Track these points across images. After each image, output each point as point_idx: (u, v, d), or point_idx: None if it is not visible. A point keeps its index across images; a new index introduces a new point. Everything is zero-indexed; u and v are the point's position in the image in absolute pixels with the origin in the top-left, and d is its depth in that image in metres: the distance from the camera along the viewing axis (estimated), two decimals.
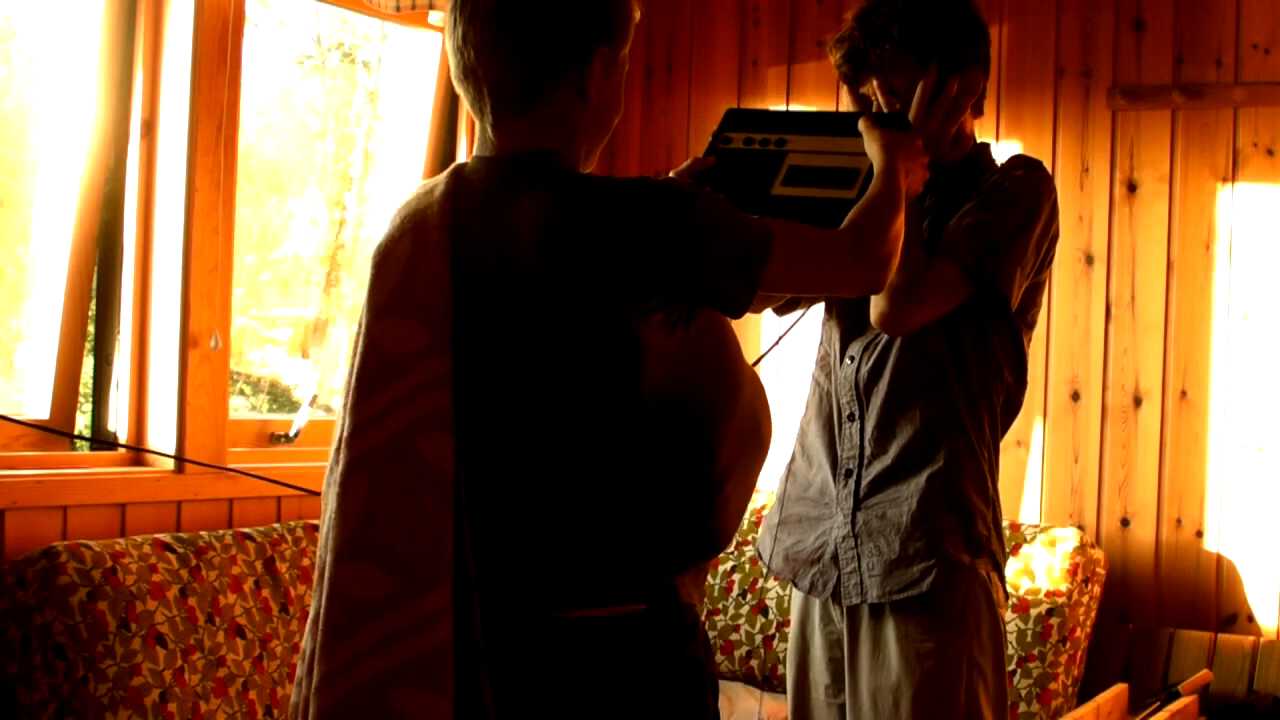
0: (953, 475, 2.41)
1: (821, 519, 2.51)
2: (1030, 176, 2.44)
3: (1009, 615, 3.72)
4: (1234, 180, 3.89)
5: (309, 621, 1.85)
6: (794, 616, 2.60)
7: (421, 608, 1.76)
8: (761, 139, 2.24)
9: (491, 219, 1.86)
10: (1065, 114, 4.07)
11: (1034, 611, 3.76)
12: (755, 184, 2.16)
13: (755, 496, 3.40)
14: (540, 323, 1.81)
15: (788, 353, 2.92)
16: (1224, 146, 3.90)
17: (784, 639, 3.98)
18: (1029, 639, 3.74)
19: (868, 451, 2.46)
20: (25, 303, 3.42)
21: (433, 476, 1.79)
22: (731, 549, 4.16)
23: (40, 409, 3.32)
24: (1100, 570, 3.88)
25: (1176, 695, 3.62)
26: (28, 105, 3.39)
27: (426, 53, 4.17)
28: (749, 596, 4.11)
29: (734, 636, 4.09)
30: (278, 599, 3.24)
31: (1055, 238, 2.48)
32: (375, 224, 4.23)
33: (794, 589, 2.58)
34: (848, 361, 2.49)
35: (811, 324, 2.61)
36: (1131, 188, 4.00)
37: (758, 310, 2.18)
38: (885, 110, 2.42)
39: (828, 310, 2.57)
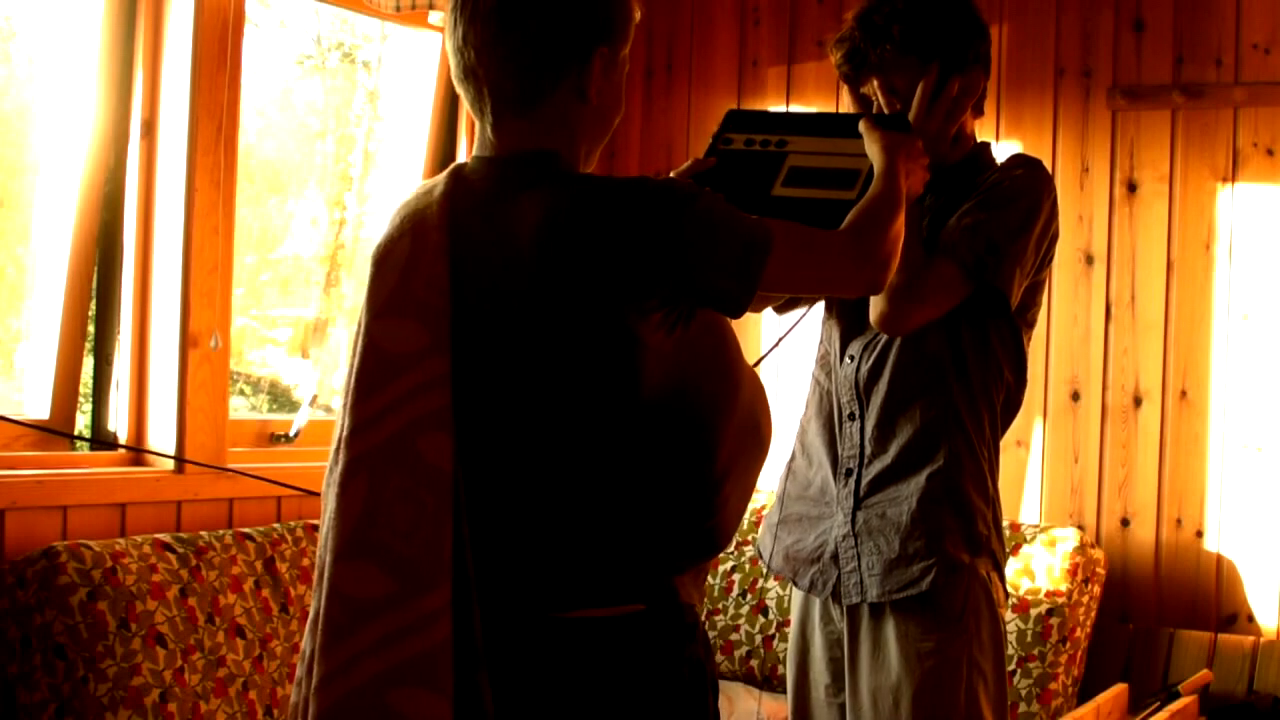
0: (953, 474, 2.41)
1: (822, 518, 2.51)
2: (1030, 175, 2.44)
3: (1009, 615, 3.72)
4: (1234, 180, 3.89)
5: (309, 622, 1.85)
6: (794, 616, 2.60)
7: (421, 608, 1.76)
8: (762, 140, 2.24)
9: (491, 219, 1.86)
10: (1065, 114, 4.08)
11: (1034, 611, 3.76)
12: (756, 185, 2.16)
13: (755, 496, 3.40)
14: (539, 323, 1.81)
15: (788, 352, 2.92)
16: (1224, 146, 3.90)
17: (784, 639, 3.98)
18: (1029, 639, 3.74)
19: (868, 451, 2.46)
20: (25, 303, 3.42)
21: (432, 476, 1.79)
22: (731, 549, 4.16)
23: (40, 409, 3.32)
24: (1100, 570, 3.88)
25: (1176, 695, 3.62)
26: (28, 105, 3.40)
27: (426, 53, 4.17)
28: (749, 596, 4.11)
29: (734, 636, 4.09)
30: (278, 599, 3.24)
31: (1055, 237, 2.48)
32: (375, 224, 4.23)
33: (794, 589, 2.58)
34: (848, 361, 2.49)
35: (811, 323, 2.61)
36: (1131, 188, 4.00)
37: (757, 310, 2.18)
38: (885, 110, 2.42)
39: (828, 309, 2.57)
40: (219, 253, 3.38)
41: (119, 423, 3.38)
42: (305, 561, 3.34)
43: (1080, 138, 4.05)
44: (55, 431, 3.28)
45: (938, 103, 2.40)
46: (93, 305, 3.40)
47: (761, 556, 2.63)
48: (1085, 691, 3.81)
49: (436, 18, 3.77)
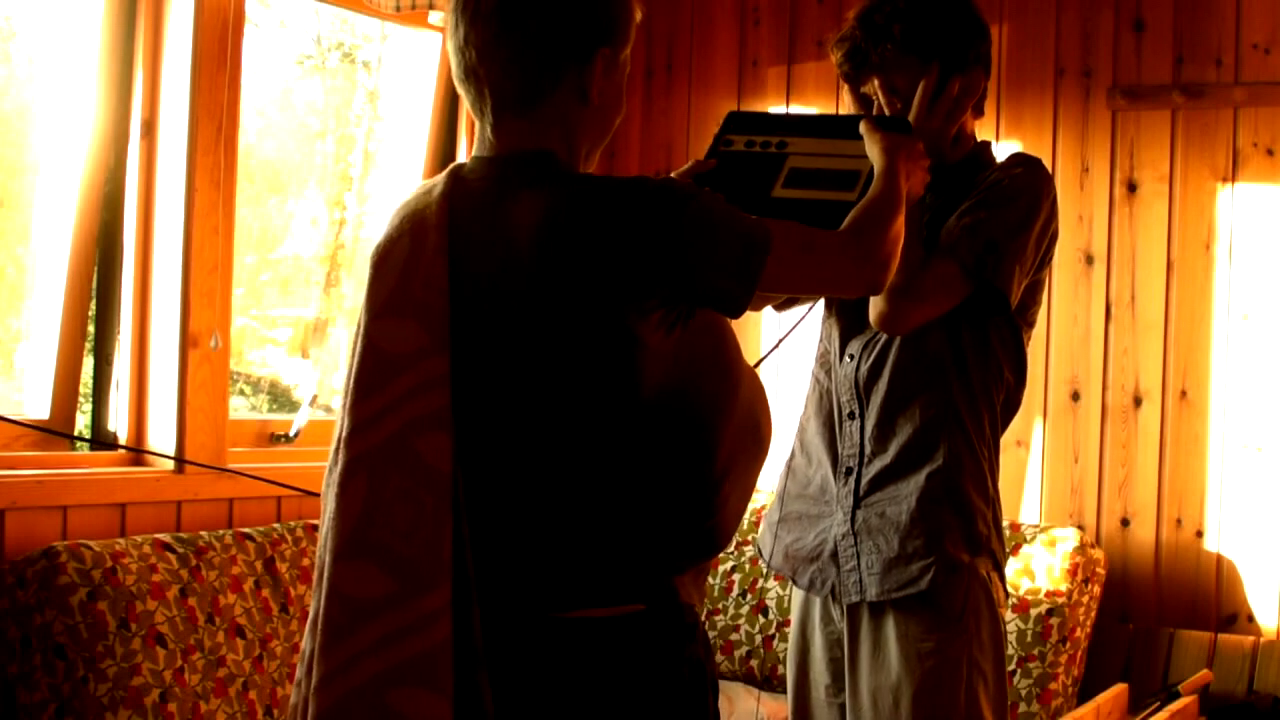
0: (952, 474, 2.41)
1: (821, 516, 2.51)
2: (1029, 174, 2.44)
3: (1009, 615, 3.72)
4: (1234, 180, 3.89)
5: (308, 622, 1.85)
6: (794, 616, 2.60)
7: (420, 608, 1.76)
8: (763, 141, 2.24)
9: (490, 219, 1.86)
10: (1065, 114, 4.08)
11: (1034, 611, 3.76)
12: (756, 186, 2.16)
13: (755, 495, 3.40)
14: (538, 323, 1.81)
15: (788, 352, 2.92)
16: (1224, 146, 3.90)
17: (784, 639, 3.98)
18: (1029, 639, 3.74)
19: (868, 450, 2.46)
20: (25, 303, 3.42)
21: (431, 477, 1.79)
22: (731, 549, 4.16)
23: (40, 409, 3.32)
24: (1100, 570, 3.88)
25: (1176, 695, 3.62)
26: (28, 105, 3.40)
27: (426, 53, 4.17)
28: (749, 596, 4.11)
29: (734, 636, 4.09)
30: (278, 599, 3.24)
31: (1055, 236, 2.48)
32: (375, 224, 4.23)
33: (795, 589, 2.58)
34: (847, 359, 2.49)
35: (811, 322, 2.61)
36: (1131, 188, 4.00)
37: (757, 309, 2.18)
38: (886, 109, 2.42)
39: (827, 308, 2.57)
40: (219, 253, 3.38)
41: (119, 423, 3.38)
42: (305, 561, 3.34)
43: (1080, 138, 4.05)
44: (55, 432, 3.28)
45: (938, 102, 2.40)
46: (93, 305, 3.40)
47: (761, 555, 2.63)
48: (1085, 691, 3.81)
49: (436, 18, 3.77)
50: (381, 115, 4.29)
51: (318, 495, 1.91)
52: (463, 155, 4.16)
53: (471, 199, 1.88)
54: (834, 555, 2.47)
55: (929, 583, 2.37)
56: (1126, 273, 4.00)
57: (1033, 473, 4.09)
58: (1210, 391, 3.91)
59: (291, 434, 3.74)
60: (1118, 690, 3.63)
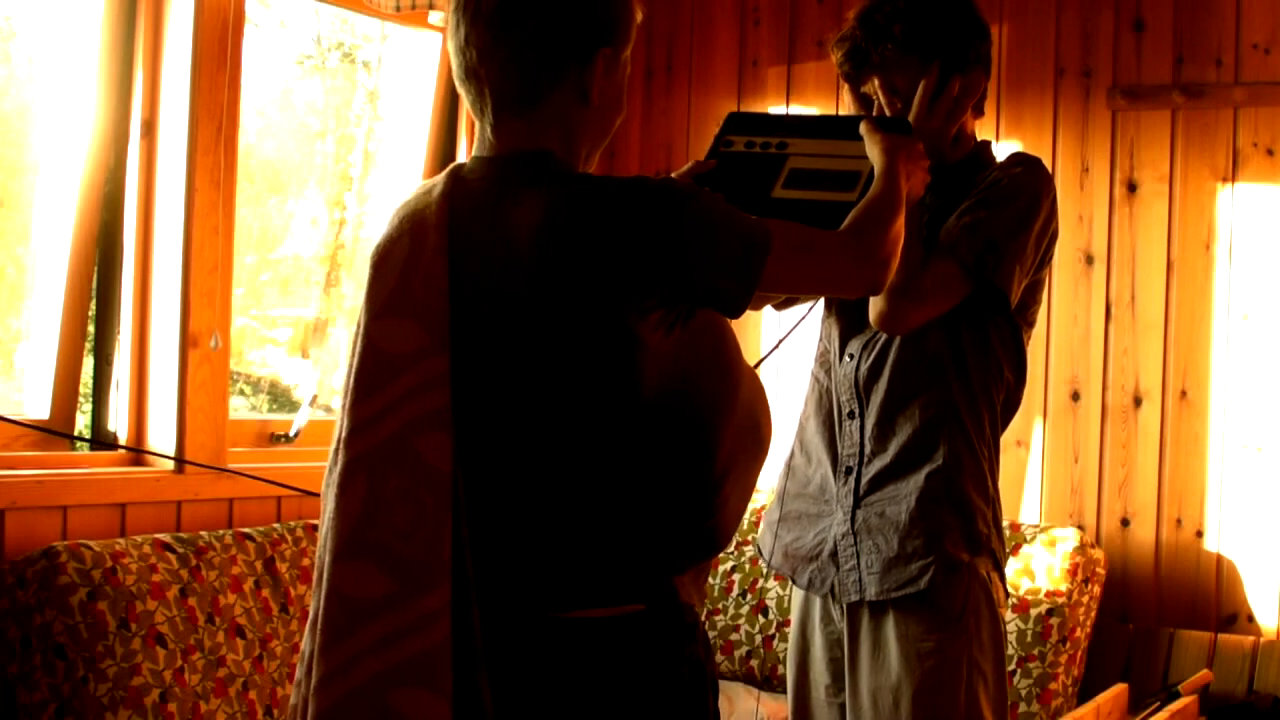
0: (952, 473, 2.41)
1: (821, 516, 2.51)
2: (1029, 173, 2.43)
3: (1009, 615, 3.72)
4: (1234, 180, 3.89)
5: (308, 622, 1.85)
6: (794, 616, 2.60)
7: (420, 608, 1.76)
8: (763, 142, 2.24)
9: (489, 219, 1.86)
10: (1065, 114, 4.07)
11: (1034, 611, 3.76)
12: (756, 186, 2.16)
13: (755, 495, 3.40)
14: (538, 323, 1.81)
15: (788, 351, 2.92)
16: (1224, 146, 3.90)
17: (784, 639, 3.98)
18: (1029, 639, 3.74)
19: (868, 449, 2.46)
20: (25, 303, 3.42)
21: (431, 477, 1.79)
22: (731, 549, 4.16)
23: (40, 409, 3.32)
24: (1100, 570, 3.88)
25: (1176, 695, 3.62)
26: (28, 105, 3.39)
27: (426, 53, 4.17)
28: (749, 596, 4.11)
29: (734, 636, 4.09)
30: (278, 599, 3.24)
31: (1054, 235, 2.48)
32: (375, 224, 4.23)
33: (795, 589, 2.58)
34: (847, 359, 2.49)
35: (811, 321, 2.61)
36: (1131, 188, 4.00)
37: (756, 308, 2.18)
38: (886, 109, 2.42)
39: (827, 308, 2.57)
40: (219, 253, 3.38)
41: (119, 423, 3.38)
42: (305, 561, 3.34)
43: (1080, 138, 4.05)
44: (55, 432, 3.28)
45: (938, 102, 2.40)
46: (93, 305, 3.40)
47: (761, 554, 2.63)
48: (1085, 691, 3.81)
49: (436, 18, 3.77)
50: (381, 115, 4.29)
51: (318, 495, 1.91)
52: (463, 155, 4.16)
53: (471, 199, 1.88)
54: (833, 555, 2.47)
55: (928, 582, 2.37)
56: (1126, 273, 4.00)
57: (1033, 473, 4.09)
58: (1210, 391, 3.91)
59: (291, 434, 3.74)
60: (1118, 690, 3.63)
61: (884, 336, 2.43)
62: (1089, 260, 4.04)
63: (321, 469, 1.90)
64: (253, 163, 3.87)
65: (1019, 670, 3.73)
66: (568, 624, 1.84)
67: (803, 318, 2.58)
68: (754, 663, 4.06)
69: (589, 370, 1.81)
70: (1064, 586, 3.77)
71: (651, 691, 1.85)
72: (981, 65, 2.44)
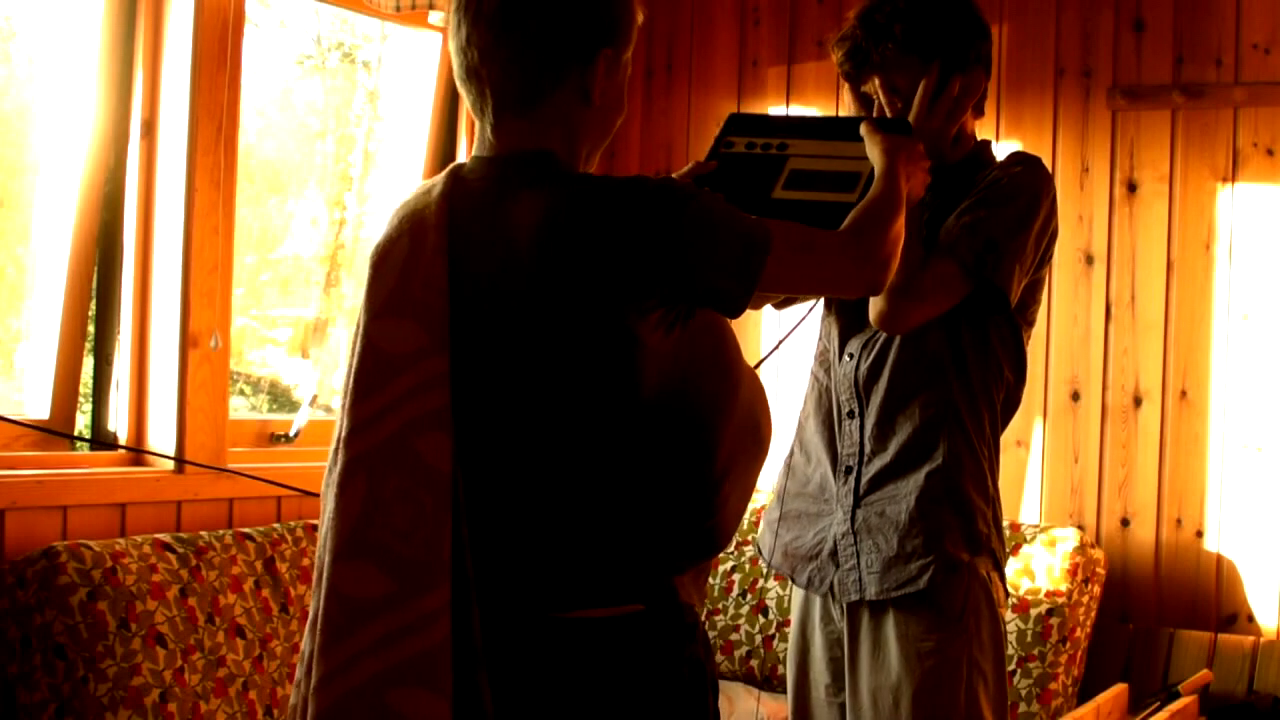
0: (952, 473, 2.41)
1: (821, 515, 2.51)
2: (1028, 173, 2.44)
3: (1009, 615, 3.72)
4: (1234, 180, 3.89)
5: (308, 623, 1.85)
6: (794, 616, 2.60)
7: (420, 608, 1.76)
8: (763, 143, 2.24)
9: (489, 219, 1.86)
10: (1065, 114, 4.07)
11: (1034, 611, 3.76)
12: (756, 187, 2.16)
13: (755, 495, 3.40)
14: (538, 323, 1.81)
15: (788, 351, 2.92)
16: (1224, 146, 3.90)
17: (784, 639, 3.98)
18: (1029, 639, 3.74)
19: (867, 449, 2.46)
20: (25, 303, 3.41)
21: (431, 477, 1.79)
22: (731, 549, 4.16)
23: (40, 409, 3.32)
24: (1100, 570, 3.88)
25: (1176, 695, 3.62)
26: (28, 105, 3.39)
27: (426, 53, 4.17)
28: (749, 596, 4.11)
29: (734, 636, 4.09)
30: (278, 599, 3.24)
31: (1054, 234, 2.48)
32: (375, 224, 4.23)
33: (795, 589, 2.58)
34: (847, 359, 2.49)
35: (811, 320, 2.61)
36: (1131, 188, 4.00)
37: (756, 308, 2.18)
38: (886, 109, 2.42)
39: (827, 307, 2.57)
40: (219, 253, 3.38)
41: (119, 423, 3.38)
42: (305, 561, 3.34)
43: (1080, 138, 4.05)
44: (55, 432, 3.28)
45: (939, 102, 2.40)
46: (93, 305, 3.40)
47: (761, 553, 2.63)
48: (1085, 691, 3.81)
49: (436, 18, 3.77)
50: (381, 115, 4.29)
51: (317, 495, 1.91)
52: (463, 155, 4.16)
53: (471, 199, 1.88)
54: (833, 554, 2.47)
55: (928, 581, 2.37)
56: (1126, 273, 4.00)
57: (1033, 473, 4.09)
58: (1210, 391, 3.91)
59: (291, 434, 3.74)
60: (1118, 690, 3.63)
61: (884, 336, 2.43)
62: (1089, 260, 4.04)
63: (321, 469, 1.90)
64: (253, 163, 3.87)
65: (1019, 670, 3.73)
66: (568, 624, 1.84)
67: (802, 319, 2.58)
68: (754, 663, 4.06)
69: (588, 370, 1.81)
70: (1064, 586, 3.77)
71: (651, 691, 1.85)
72: (982, 65, 2.44)
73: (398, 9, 3.69)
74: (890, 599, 2.41)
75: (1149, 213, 3.98)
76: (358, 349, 1.86)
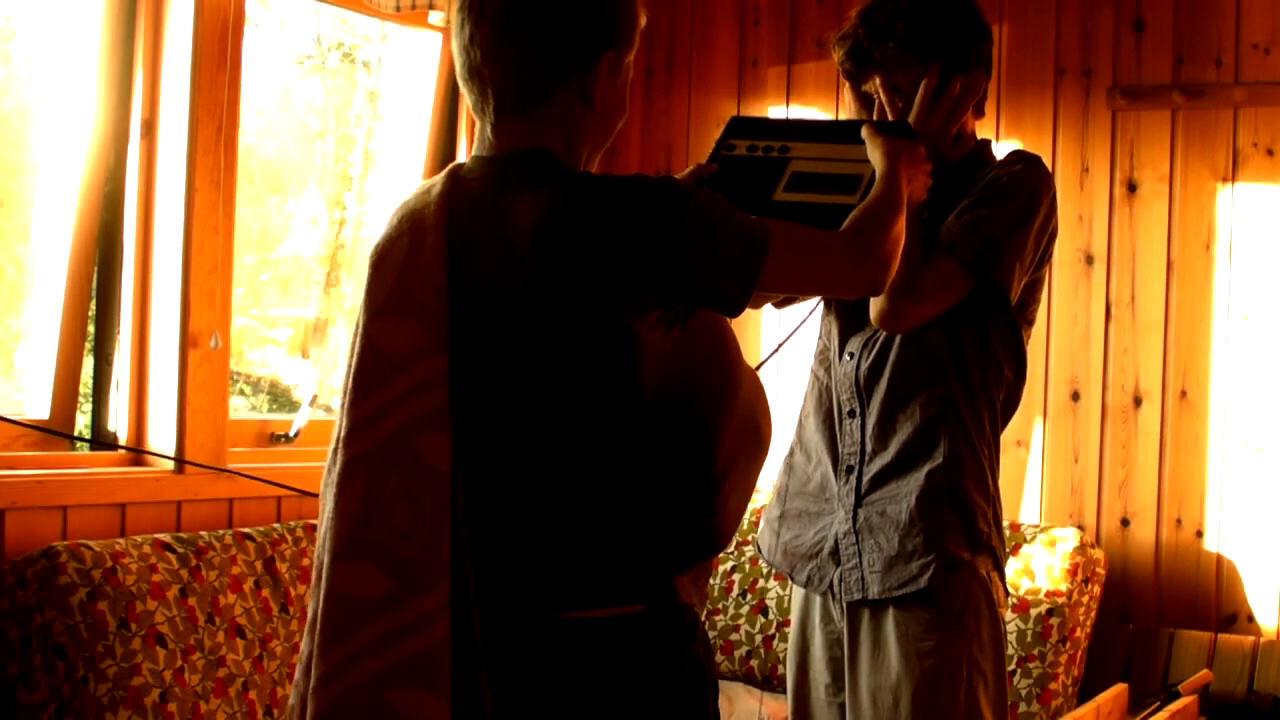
0: (952, 472, 2.41)
1: (821, 514, 2.51)
2: (1028, 171, 2.44)
3: (1009, 615, 3.72)
4: (1234, 180, 3.89)
5: (307, 623, 1.85)
6: (794, 616, 2.60)
7: (419, 607, 1.76)
8: (765, 146, 2.24)
9: (488, 219, 1.86)
10: (1065, 114, 4.07)
11: (1034, 611, 3.76)
12: (757, 190, 2.16)
13: (755, 495, 3.40)
14: (537, 322, 1.81)
15: (788, 350, 2.92)
16: (1224, 146, 3.90)
17: (784, 639, 3.98)
18: (1029, 639, 3.74)
19: (868, 448, 2.46)
20: (25, 303, 3.41)
21: (430, 476, 1.79)
22: (731, 549, 4.16)
23: (40, 409, 3.32)
24: (1100, 570, 3.88)
25: (1176, 695, 3.62)
26: (28, 105, 3.39)
27: (426, 53, 4.17)
28: (749, 596, 4.11)
29: (734, 636, 4.09)
30: (278, 599, 3.24)
31: (1054, 233, 2.48)
32: (375, 224, 4.23)
33: (795, 589, 2.58)
34: (847, 358, 2.49)
35: (811, 319, 2.61)
36: (1131, 188, 4.00)
37: (755, 307, 2.18)
38: (887, 108, 2.42)
39: (827, 306, 2.57)
40: (219, 253, 3.38)
41: (119, 423, 3.38)
42: (305, 561, 3.34)
43: (1080, 138, 4.05)
44: (55, 432, 3.28)
45: (939, 102, 2.40)
46: (93, 305, 3.40)
47: (761, 552, 2.63)
48: (1085, 691, 3.81)
49: (436, 18, 3.77)
50: (381, 115, 4.29)
51: (317, 495, 1.91)
52: (463, 155, 4.16)
53: (470, 199, 1.88)
54: (834, 553, 2.47)
55: (929, 580, 2.37)
56: (1126, 273, 4.00)
57: (1033, 473, 4.09)
58: (1210, 391, 3.91)
59: (291, 434, 3.74)
60: (1118, 690, 3.63)
61: (884, 335, 2.43)
62: (1089, 260, 4.04)
63: (321, 469, 1.90)
64: (253, 163, 3.87)
65: (1019, 670, 3.73)
66: (567, 624, 1.84)
67: (802, 321, 2.58)
68: (754, 663, 4.06)
69: (588, 370, 1.81)
70: (1064, 586, 3.77)
71: (651, 692, 1.85)
72: (983, 65, 2.44)
73: (398, 9, 3.69)
74: (891, 598, 2.41)
75: (1149, 213, 3.98)
76: (357, 349, 1.86)
